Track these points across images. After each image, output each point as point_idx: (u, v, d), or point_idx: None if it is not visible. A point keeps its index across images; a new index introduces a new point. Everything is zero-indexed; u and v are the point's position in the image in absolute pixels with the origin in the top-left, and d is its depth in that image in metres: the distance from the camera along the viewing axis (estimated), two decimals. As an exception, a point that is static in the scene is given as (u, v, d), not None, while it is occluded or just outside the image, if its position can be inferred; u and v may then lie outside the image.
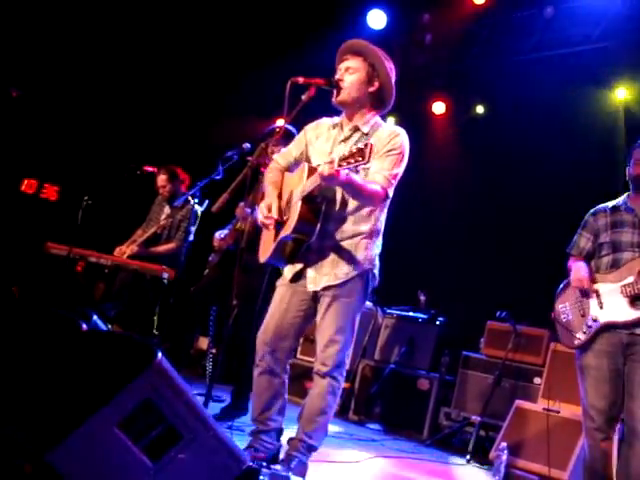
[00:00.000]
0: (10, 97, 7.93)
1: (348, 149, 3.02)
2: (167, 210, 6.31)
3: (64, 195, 8.56)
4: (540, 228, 6.48)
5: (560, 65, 6.66)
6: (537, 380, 5.58)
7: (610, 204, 3.81)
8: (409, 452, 5.30)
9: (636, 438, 3.40)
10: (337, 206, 3.37)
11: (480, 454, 5.34)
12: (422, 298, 6.90)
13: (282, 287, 3.53)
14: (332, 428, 4.41)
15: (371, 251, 3.43)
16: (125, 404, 2.09)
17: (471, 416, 5.78)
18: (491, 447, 5.06)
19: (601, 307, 3.60)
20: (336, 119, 3.56)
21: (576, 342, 3.68)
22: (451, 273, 7.26)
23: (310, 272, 3.41)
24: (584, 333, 3.63)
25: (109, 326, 5.39)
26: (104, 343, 2.46)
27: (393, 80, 3.48)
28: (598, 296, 3.62)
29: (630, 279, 3.51)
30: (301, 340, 6.58)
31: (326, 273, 3.36)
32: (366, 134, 3.40)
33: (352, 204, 3.37)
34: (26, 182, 8.54)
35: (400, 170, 3.39)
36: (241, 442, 3.38)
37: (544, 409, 4.85)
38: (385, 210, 3.50)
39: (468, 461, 5.30)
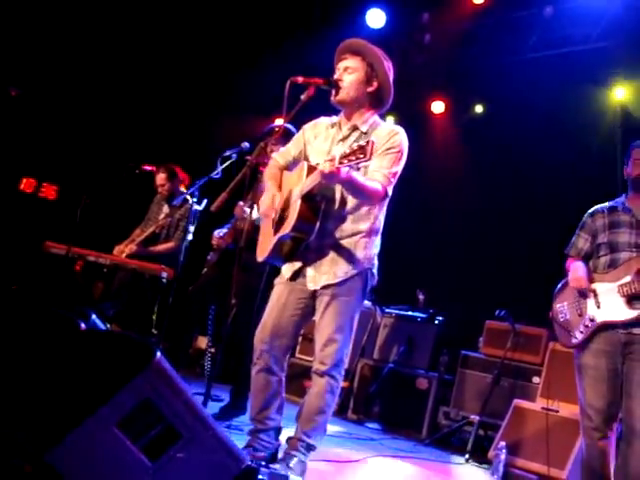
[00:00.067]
0: (9, 96, 7.92)
1: (347, 147, 3.03)
2: (166, 209, 6.31)
3: (63, 194, 8.56)
4: (539, 227, 6.48)
5: (559, 65, 6.66)
6: (536, 379, 5.58)
7: (608, 205, 3.82)
8: (408, 451, 5.29)
9: (635, 437, 3.41)
10: (336, 205, 3.37)
11: (479, 453, 5.34)
12: (421, 297, 6.90)
13: (280, 285, 3.53)
14: (331, 427, 4.41)
15: (370, 250, 3.43)
16: (124, 404, 2.09)
17: (470, 415, 5.78)
18: (490, 446, 5.06)
19: (598, 307, 3.61)
20: (334, 118, 3.56)
21: (573, 341, 3.69)
22: (450, 272, 7.27)
23: (309, 271, 3.41)
24: (581, 332, 3.64)
25: (108, 325, 5.38)
26: (103, 342, 2.46)
27: (391, 79, 3.48)
28: (595, 296, 3.63)
29: (627, 279, 3.52)
30: (300, 339, 6.59)
31: (325, 272, 3.37)
32: (365, 133, 3.41)
33: (351, 203, 3.38)
34: (25, 181, 8.53)
35: (399, 168, 3.39)
36: (240, 441, 3.38)
37: (543, 408, 4.86)
38: (384, 209, 3.51)
39: (467, 460, 5.30)
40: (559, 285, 3.89)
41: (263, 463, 3.24)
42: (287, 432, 3.54)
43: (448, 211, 7.57)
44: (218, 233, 5.23)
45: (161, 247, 6.14)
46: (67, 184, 8.44)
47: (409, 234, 7.26)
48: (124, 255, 5.99)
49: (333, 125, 3.54)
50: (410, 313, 6.74)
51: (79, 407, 2.08)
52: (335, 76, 3.44)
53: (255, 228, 4.03)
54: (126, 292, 5.91)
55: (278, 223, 3.44)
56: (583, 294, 3.68)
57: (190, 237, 5.52)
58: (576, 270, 3.71)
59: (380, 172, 3.31)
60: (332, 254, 3.37)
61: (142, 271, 5.65)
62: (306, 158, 3.53)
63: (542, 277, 4.39)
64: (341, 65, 3.45)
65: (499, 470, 4.67)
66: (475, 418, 5.60)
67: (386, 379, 6.34)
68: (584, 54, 6.52)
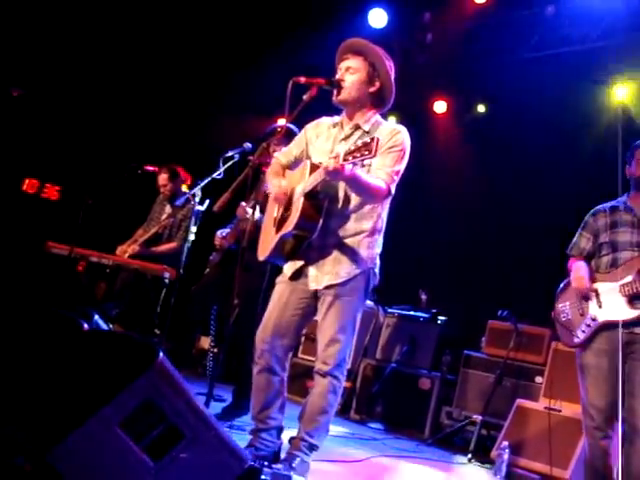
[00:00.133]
0: (11, 97, 7.93)
1: (352, 145, 3.03)
2: (168, 209, 6.31)
3: (65, 195, 8.57)
4: (541, 227, 6.47)
5: (560, 64, 6.65)
6: (538, 379, 5.58)
7: (609, 204, 3.82)
8: (411, 451, 5.30)
9: (637, 436, 3.42)
10: (340, 203, 3.37)
11: (481, 453, 5.34)
12: (423, 297, 6.90)
13: (281, 284, 3.53)
14: (333, 427, 4.41)
15: (373, 250, 3.43)
16: (126, 404, 2.09)
17: (472, 415, 5.77)
18: (492, 446, 5.06)
19: (600, 306, 3.61)
20: (336, 118, 3.56)
21: (575, 341, 3.69)
22: (452, 272, 7.26)
23: (312, 270, 3.40)
24: (583, 332, 3.64)
25: (110, 326, 5.39)
26: (105, 343, 2.46)
27: (393, 79, 3.48)
28: (597, 295, 3.64)
29: (629, 278, 3.52)
30: (302, 339, 6.59)
31: (328, 272, 3.36)
32: (367, 132, 3.41)
33: (354, 201, 3.37)
34: (27, 182, 8.55)
35: (402, 167, 3.39)
36: (242, 441, 3.38)
37: (545, 408, 4.85)
38: (387, 208, 3.50)
39: (470, 460, 5.29)
40: (561, 285, 3.89)
41: (266, 463, 3.24)
42: (289, 432, 3.54)
43: (450, 211, 7.57)
44: (221, 233, 5.23)
45: (163, 247, 6.15)
46: (69, 185, 8.45)
47: (412, 234, 7.25)
48: (127, 255, 6.00)
49: (335, 125, 3.54)
50: (413, 313, 6.74)
51: (82, 407, 2.08)
52: (337, 76, 3.44)
53: (257, 228, 4.03)
54: (129, 292, 5.92)
55: (280, 222, 3.44)
56: (585, 297, 3.68)
57: (192, 237, 5.53)
58: (578, 270, 3.72)
59: (383, 170, 3.31)
60: (335, 253, 3.37)
61: (145, 271, 5.66)
62: (308, 158, 3.52)
63: (544, 277, 4.39)
64: (343, 65, 3.45)
65: (502, 470, 4.67)
66: (478, 418, 5.60)
67: (389, 379, 6.34)
68: (585, 53, 6.51)
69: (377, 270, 3.48)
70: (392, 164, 3.34)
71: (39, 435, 2.09)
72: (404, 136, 3.41)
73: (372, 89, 3.45)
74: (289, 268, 3.49)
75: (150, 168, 6.17)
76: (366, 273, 3.41)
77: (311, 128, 3.63)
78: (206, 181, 5.01)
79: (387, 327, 6.73)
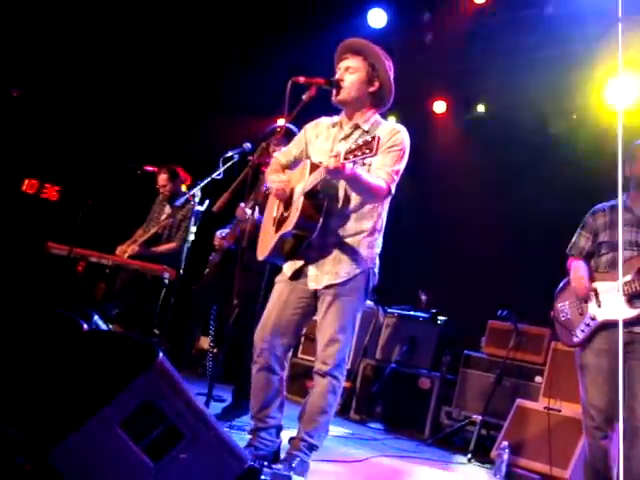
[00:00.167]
0: (11, 97, 7.93)
1: (352, 143, 3.03)
2: (168, 210, 6.31)
3: (65, 195, 8.57)
4: (541, 227, 6.47)
5: (561, 64, 6.65)
6: (538, 379, 5.58)
7: (609, 203, 3.81)
8: (410, 451, 5.29)
9: (637, 437, 3.41)
10: (340, 203, 3.37)
11: (481, 453, 5.33)
12: (423, 297, 6.90)
13: (281, 284, 3.53)
14: (333, 427, 4.41)
15: (373, 249, 3.44)
16: (126, 404, 2.09)
17: (472, 415, 5.77)
18: (492, 446, 5.06)
19: (599, 305, 3.61)
20: (335, 118, 3.56)
21: (575, 340, 3.69)
22: (452, 272, 7.26)
23: (311, 270, 3.40)
24: (582, 331, 3.64)
25: (110, 326, 5.39)
26: (105, 343, 2.46)
27: (392, 79, 3.48)
28: (596, 295, 3.64)
29: (628, 277, 3.52)
30: (302, 339, 6.59)
31: (328, 271, 3.36)
32: (366, 132, 3.41)
33: (355, 201, 3.37)
34: (27, 182, 8.55)
35: (402, 166, 3.39)
36: (242, 441, 3.38)
37: (545, 408, 4.85)
38: (386, 208, 3.50)
39: (469, 460, 5.29)
40: (561, 284, 3.90)
41: (265, 463, 3.24)
42: (289, 432, 3.54)
43: (450, 210, 7.56)
44: (220, 233, 5.23)
45: (163, 248, 6.15)
46: (69, 185, 8.45)
47: (411, 234, 7.25)
48: (126, 256, 6.00)
49: (334, 124, 3.55)
50: (412, 313, 6.74)
51: (82, 407, 2.08)
52: (336, 76, 3.44)
53: (257, 228, 4.02)
54: (128, 293, 5.92)
55: (280, 221, 3.44)
56: (585, 297, 3.68)
57: (192, 237, 5.53)
58: (577, 270, 3.72)
59: (383, 170, 3.31)
60: (335, 253, 3.36)
61: (144, 272, 5.65)
62: (307, 158, 3.52)
63: (544, 276, 4.39)
64: (342, 65, 3.45)
65: (502, 470, 4.67)
66: (477, 418, 5.60)
67: (388, 379, 6.33)
68: (585, 53, 6.50)
69: (377, 270, 3.48)
70: (392, 163, 3.34)
71: (39, 435, 2.09)
72: (404, 136, 3.41)
73: (371, 89, 3.45)
74: (289, 268, 3.49)
75: (150, 168, 6.17)
76: (366, 273, 3.41)
77: (310, 128, 3.63)
78: (206, 181, 5.01)
79: (387, 327, 6.73)
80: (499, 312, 5.74)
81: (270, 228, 3.55)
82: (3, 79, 7.75)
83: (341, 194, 3.37)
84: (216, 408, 4.63)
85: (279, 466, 3.25)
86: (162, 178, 6.33)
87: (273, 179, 3.52)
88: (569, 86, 6.46)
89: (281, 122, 3.91)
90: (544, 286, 4.18)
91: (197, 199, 5.34)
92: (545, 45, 6.76)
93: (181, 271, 5.16)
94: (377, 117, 3.51)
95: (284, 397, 3.52)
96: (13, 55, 7.58)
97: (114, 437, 2.06)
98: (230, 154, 4.73)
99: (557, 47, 6.62)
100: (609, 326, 3.54)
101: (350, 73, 3.42)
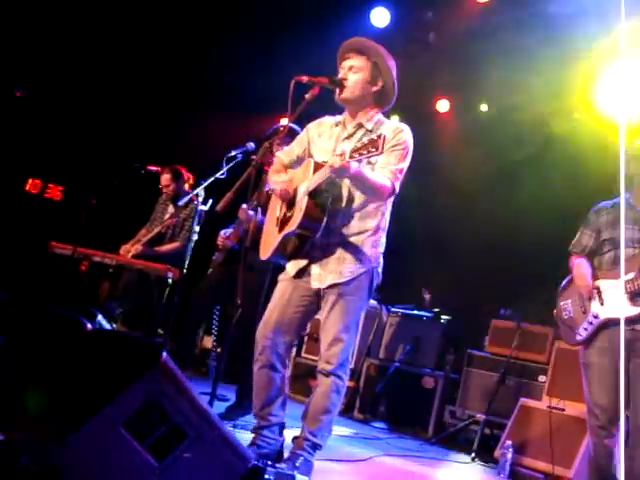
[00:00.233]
0: (14, 97, 7.94)
1: (358, 142, 3.02)
2: (171, 209, 6.32)
3: (68, 195, 8.58)
4: (544, 225, 6.46)
5: (562, 63, 6.63)
6: (542, 378, 5.57)
7: (612, 201, 3.81)
8: (414, 450, 5.29)
9: (641, 436, 3.40)
10: (343, 202, 3.37)
11: (485, 452, 5.33)
12: (427, 296, 6.89)
13: (284, 282, 3.52)
14: (337, 427, 4.41)
15: (376, 248, 3.43)
16: (130, 404, 2.10)
17: (476, 414, 5.77)
18: (496, 445, 5.06)
19: (602, 303, 3.61)
20: (338, 117, 3.56)
21: (577, 338, 3.68)
22: (455, 271, 7.25)
23: (315, 269, 3.40)
24: (585, 330, 3.63)
25: (114, 326, 5.40)
26: (109, 343, 2.46)
27: (395, 78, 3.48)
28: (599, 293, 3.63)
29: (631, 275, 3.51)
30: (305, 338, 6.59)
31: (331, 270, 3.36)
32: (370, 131, 3.40)
33: (358, 200, 3.37)
34: (30, 182, 8.57)
35: (405, 165, 3.39)
36: (246, 440, 3.38)
37: (549, 407, 4.85)
38: (390, 207, 3.50)
39: (473, 459, 5.28)
40: (563, 282, 3.89)
41: (269, 462, 3.24)
42: (292, 432, 3.54)
43: (453, 209, 7.56)
44: (224, 233, 5.23)
45: (167, 247, 6.15)
46: (73, 185, 8.46)
47: (415, 233, 7.25)
48: (130, 255, 6.00)
49: (337, 124, 3.54)
50: (416, 312, 6.73)
51: (85, 407, 2.09)
52: (340, 75, 3.44)
53: (260, 228, 4.02)
54: (132, 292, 5.92)
55: (283, 221, 3.44)
56: (587, 295, 3.67)
57: (195, 237, 5.53)
58: (580, 268, 3.71)
59: (387, 169, 3.31)
60: (339, 252, 3.36)
61: (148, 271, 5.66)
62: (310, 157, 3.52)
63: (548, 275, 4.38)
64: (345, 64, 3.45)
65: (505, 469, 4.67)
66: (481, 417, 5.59)
67: (392, 378, 6.33)
68: (586, 53, 6.50)
69: (380, 269, 3.48)
70: (396, 162, 3.34)
71: (43, 435, 2.09)
72: (407, 134, 3.41)
73: (375, 88, 3.45)
74: (292, 266, 3.48)
75: (153, 168, 6.17)
76: (370, 272, 3.40)
77: (313, 127, 3.63)
78: (209, 181, 5.01)
79: (390, 326, 6.73)
80: (502, 311, 5.73)
81: (273, 228, 3.55)
82: (7, 79, 7.76)
83: (345, 193, 3.36)
84: (220, 407, 4.63)
85: (283, 465, 3.25)
86: (165, 178, 6.33)
87: (275, 180, 3.52)
88: (571, 85, 6.44)
89: (284, 121, 3.92)
90: (547, 285, 4.18)
91: (200, 199, 5.34)
92: (547, 44, 6.75)
93: (184, 271, 5.17)
94: (380, 116, 3.51)
95: (286, 395, 3.53)
96: (17, 55, 7.59)
97: (118, 437, 2.06)
98: (233, 154, 4.72)
99: (559, 46, 6.61)
100: (612, 324, 3.53)
101: (353, 72, 3.42)
